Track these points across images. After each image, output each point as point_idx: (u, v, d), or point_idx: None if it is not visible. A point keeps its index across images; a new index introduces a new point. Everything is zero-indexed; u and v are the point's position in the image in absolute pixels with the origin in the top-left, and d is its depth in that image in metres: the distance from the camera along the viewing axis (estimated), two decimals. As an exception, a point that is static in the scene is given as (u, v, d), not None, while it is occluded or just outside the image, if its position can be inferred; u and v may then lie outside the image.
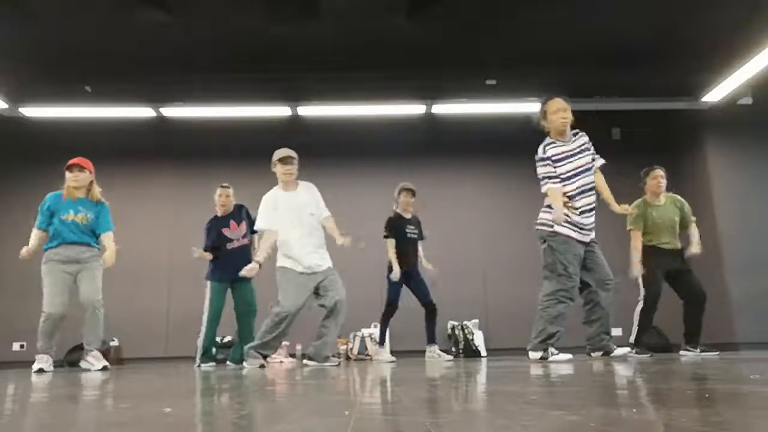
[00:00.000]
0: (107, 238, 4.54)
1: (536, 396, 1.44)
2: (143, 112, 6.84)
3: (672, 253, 4.73)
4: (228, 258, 5.04)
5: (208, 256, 5.11)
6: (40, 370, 4.21)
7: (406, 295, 5.46)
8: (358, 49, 6.05)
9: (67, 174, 4.47)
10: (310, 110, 6.91)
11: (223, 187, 5.27)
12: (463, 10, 5.36)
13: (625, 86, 6.63)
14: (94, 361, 4.39)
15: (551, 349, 3.70)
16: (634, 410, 1.10)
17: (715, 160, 6.99)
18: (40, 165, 7.21)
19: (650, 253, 4.69)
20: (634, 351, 4.59)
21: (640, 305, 4.71)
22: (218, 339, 6.63)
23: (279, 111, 6.92)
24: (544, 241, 3.85)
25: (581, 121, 3.95)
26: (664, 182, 4.82)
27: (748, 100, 6.65)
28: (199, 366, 4.93)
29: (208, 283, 5.09)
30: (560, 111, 3.79)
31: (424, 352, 5.59)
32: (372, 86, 6.58)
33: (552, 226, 3.79)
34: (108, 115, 6.93)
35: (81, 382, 2.75)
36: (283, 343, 5.37)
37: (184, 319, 6.87)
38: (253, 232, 5.09)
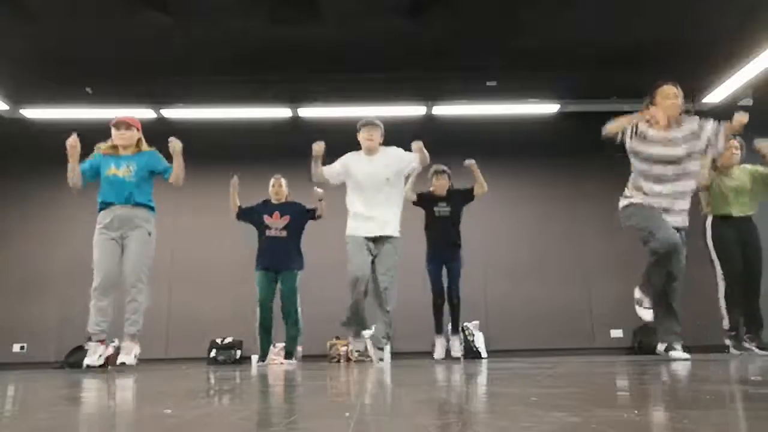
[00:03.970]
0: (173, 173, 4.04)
1: (537, 398, 1.44)
2: (144, 113, 6.83)
3: (744, 221, 4.38)
4: (267, 246, 5.07)
5: (234, 182, 5.17)
6: (87, 367, 3.73)
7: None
8: (359, 50, 6.04)
9: (114, 132, 4.13)
10: (310, 111, 6.90)
11: (275, 177, 5.32)
12: (464, 11, 5.35)
13: (626, 87, 6.62)
14: (122, 354, 3.84)
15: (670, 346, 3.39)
16: (636, 411, 1.10)
17: (715, 160, 6.97)
18: (41, 166, 7.18)
19: (717, 224, 4.35)
20: (731, 345, 4.24)
21: (722, 288, 4.31)
22: (218, 340, 6.63)
23: (279, 112, 6.91)
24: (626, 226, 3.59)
25: None
26: (738, 153, 4.48)
27: (748, 101, 6.63)
28: (258, 364, 4.98)
29: (255, 273, 5.07)
30: (671, 98, 3.62)
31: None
32: (372, 87, 6.57)
33: (624, 205, 3.61)
34: (109, 117, 6.91)
35: (81, 383, 2.75)
36: (278, 345, 5.36)
37: (185, 320, 6.86)
38: (304, 221, 5.15)
